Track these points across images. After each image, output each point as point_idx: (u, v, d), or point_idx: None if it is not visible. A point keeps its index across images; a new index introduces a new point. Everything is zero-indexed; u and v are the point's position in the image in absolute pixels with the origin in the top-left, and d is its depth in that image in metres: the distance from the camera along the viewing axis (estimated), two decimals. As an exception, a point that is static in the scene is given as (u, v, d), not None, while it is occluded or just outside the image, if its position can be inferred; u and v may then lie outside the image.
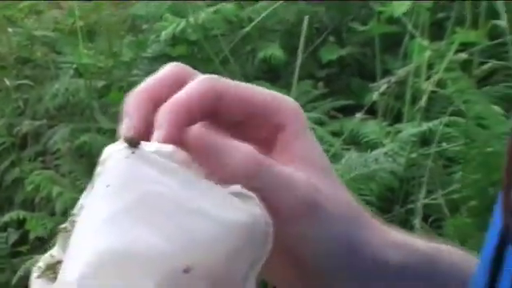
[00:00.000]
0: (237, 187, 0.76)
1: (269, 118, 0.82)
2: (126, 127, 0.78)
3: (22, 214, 3.30)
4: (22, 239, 3.33)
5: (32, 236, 3.26)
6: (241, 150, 0.79)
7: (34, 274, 0.76)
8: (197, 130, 0.78)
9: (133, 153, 0.77)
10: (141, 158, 0.76)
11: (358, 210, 0.84)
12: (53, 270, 0.73)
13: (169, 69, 0.80)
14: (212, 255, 0.72)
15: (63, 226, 0.76)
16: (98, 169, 0.78)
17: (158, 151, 0.82)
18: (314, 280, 0.85)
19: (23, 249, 3.30)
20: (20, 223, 3.32)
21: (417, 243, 0.87)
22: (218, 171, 0.78)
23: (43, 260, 0.76)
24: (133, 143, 0.77)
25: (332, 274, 0.84)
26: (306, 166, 0.83)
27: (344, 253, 0.82)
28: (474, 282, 0.77)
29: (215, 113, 0.79)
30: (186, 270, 0.69)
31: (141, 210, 0.73)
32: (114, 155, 0.77)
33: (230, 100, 0.79)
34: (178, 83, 0.78)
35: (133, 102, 0.78)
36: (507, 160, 0.70)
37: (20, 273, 2.96)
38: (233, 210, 0.73)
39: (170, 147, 0.80)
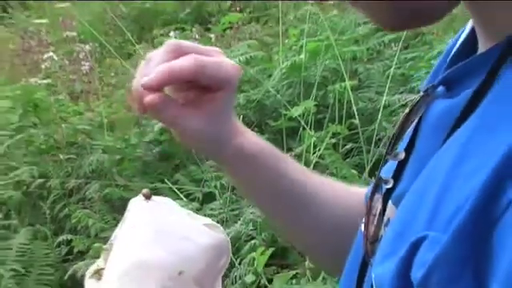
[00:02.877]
0: (208, 220, 0.78)
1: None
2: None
3: (69, 236, 3.21)
4: (69, 252, 3.20)
5: (75, 250, 3.15)
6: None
7: (87, 276, 0.77)
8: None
9: (147, 203, 0.79)
10: (152, 206, 0.78)
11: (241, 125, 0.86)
12: (98, 273, 0.75)
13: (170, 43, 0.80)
14: (196, 265, 0.72)
15: (105, 247, 0.77)
16: (126, 214, 0.79)
17: (161, 200, 0.85)
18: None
19: (70, 257, 3.17)
20: (68, 242, 3.20)
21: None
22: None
23: (92, 267, 0.77)
24: (147, 197, 0.79)
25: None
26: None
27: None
28: None
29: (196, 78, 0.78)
30: (180, 273, 0.72)
31: (154, 237, 0.74)
32: (135, 205, 0.79)
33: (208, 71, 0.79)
34: (177, 52, 0.79)
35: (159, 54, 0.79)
36: (366, 207, 0.69)
37: (69, 273, 2.88)
38: (207, 237, 0.75)
39: (167, 198, 0.83)
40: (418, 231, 0.51)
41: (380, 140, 3.35)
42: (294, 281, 2.61)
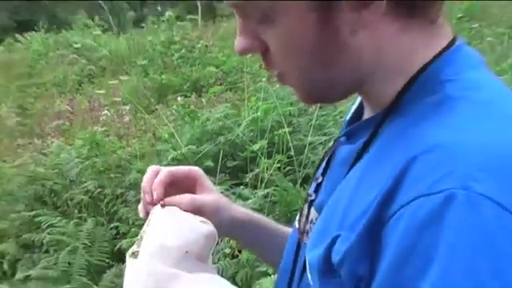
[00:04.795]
0: (202, 218, 0.75)
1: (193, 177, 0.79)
2: (145, 197, 0.76)
3: (117, 223, 3.10)
4: (117, 233, 3.08)
5: (121, 232, 3.04)
6: (184, 197, 0.75)
7: (127, 256, 0.73)
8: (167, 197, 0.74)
9: (163, 209, 0.75)
10: (167, 211, 0.74)
11: (229, 203, 0.81)
12: (134, 255, 0.72)
13: (151, 169, 0.78)
14: (197, 246, 0.70)
15: (138, 237, 0.74)
16: (150, 216, 0.75)
17: (171, 207, 0.77)
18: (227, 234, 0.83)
19: (117, 236, 3.05)
20: (116, 227, 3.09)
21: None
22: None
23: (130, 250, 0.73)
24: (163, 206, 0.75)
25: (231, 233, 0.82)
26: (212, 191, 0.80)
27: (230, 222, 0.80)
28: (280, 272, 0.69)
29: (173, 181, 0.76)
30: (187, 252, 0.69)
31: (169, 230, 0.71)
32: (156, 211, 0.75)
33: (178, 176, 0.77)
34: (157, 173, 0.77)
35: (145, 184, 0.77)
36: (301, 212, 0.67)
37: (117, 246, 2.85)
38: (203, 228, 0.72)
39: (175, 207, 0.77)
40: (334, 230, 0.52)
41: (306, 165, 3.27)
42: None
